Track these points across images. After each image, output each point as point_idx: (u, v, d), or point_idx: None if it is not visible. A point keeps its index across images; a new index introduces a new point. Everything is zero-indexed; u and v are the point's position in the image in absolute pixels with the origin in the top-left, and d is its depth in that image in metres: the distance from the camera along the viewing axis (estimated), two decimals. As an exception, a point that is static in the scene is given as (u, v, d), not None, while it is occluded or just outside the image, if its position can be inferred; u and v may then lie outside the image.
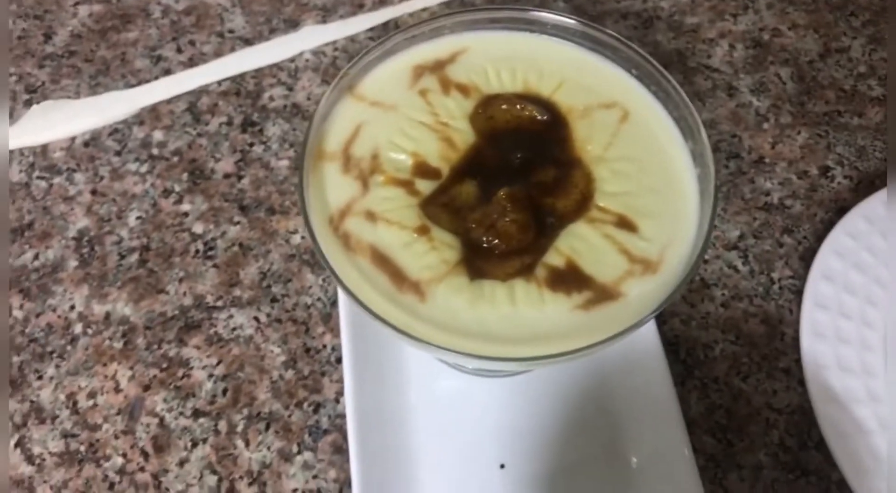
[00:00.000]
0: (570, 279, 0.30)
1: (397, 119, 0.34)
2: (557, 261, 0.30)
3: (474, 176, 0.33)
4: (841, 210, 0.47)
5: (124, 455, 0.41)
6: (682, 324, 0.45)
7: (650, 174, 0.32)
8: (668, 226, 0.31)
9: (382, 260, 0.30)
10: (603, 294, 0.30)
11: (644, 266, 0.30)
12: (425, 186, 0.32)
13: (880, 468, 0.38)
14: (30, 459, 0.41)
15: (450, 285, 0.30)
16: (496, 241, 0.31)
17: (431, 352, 0.29)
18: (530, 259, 0.31)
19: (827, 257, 0.44)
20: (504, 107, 0.34)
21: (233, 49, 0.54)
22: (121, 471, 0.41)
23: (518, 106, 0.34)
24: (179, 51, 0.54)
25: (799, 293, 0.45)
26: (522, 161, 0.33)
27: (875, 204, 0.45)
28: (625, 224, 0.31)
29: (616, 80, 0.35)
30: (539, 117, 0.34)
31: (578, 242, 0.31)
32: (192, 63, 0.53)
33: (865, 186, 0.49)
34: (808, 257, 0.46)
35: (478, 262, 0.31)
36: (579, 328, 0.29)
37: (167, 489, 0.40)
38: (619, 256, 0.30)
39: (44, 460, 0.41)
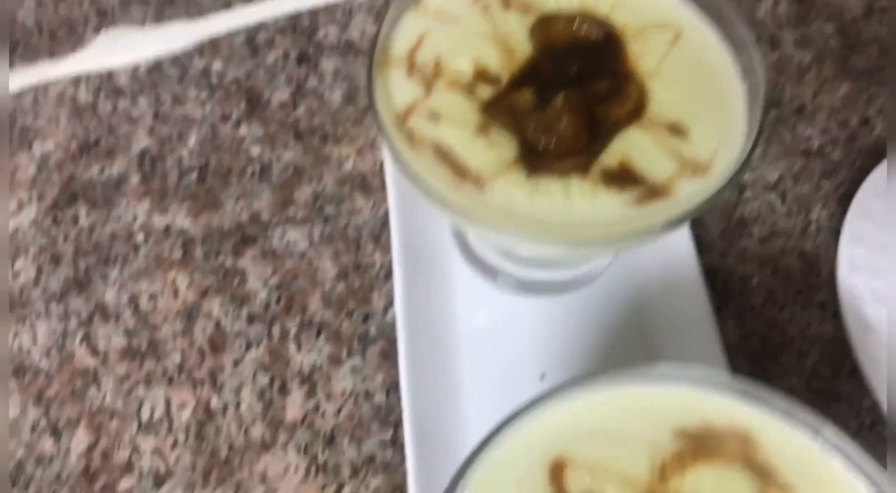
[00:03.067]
0: (622, 178, 0.32)
1: (459, 30, 0.35)
2: (610, 162, 0.32)
3: (532, 84, 0.34)
4: (880, 157, 0.48)
5: (182, 353, 0.43)
6: (720, 258, 0.46)
7: (701, 87, 0.34)
8: (717, 133, 0.33)
9: (444, 155, 0.32)
10: (654, 192, 0.31)
11: (693, 168, 0.32)
12: (485, 92, 0.34)
13: (910, 393, 0.40)
14: (94, 352, 0.43)
15: (508, 180, 0.32)
16: (553, 142, 0.32)
17: (488, 235, 0.30)
18: (584, 160, 0.32)
19: (866, 196, 0.45)
20: (561, 23, 0.36)
21: (292, -14, 0.56)
22: (179, 367, 0.43)
23: (575, 23, 0.35)
24: (241, -15, 0.56)
25: (835, 233, 0.46)
26: (578, 73, 0.35)
27: (914, 149, 0.46)
28: (676, 130, 0.33)
29: (669, 3, 0.36)
30: (595, 34, 0.35)
31: (631, 146, 0.32)
32: (252, -2, 0.56)
33: (905, 135, 0.49)
34: (845, 201, 0.47)
35: (534, 160, 0.32)
36: (630, 221, 0.31)
37: (222, 385, 0.42)
38: (670, 158, 0.32)
39: (108, 354, 0.43)
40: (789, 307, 0.45)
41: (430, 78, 0.34)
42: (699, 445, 0.26)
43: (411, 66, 0.34)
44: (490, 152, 0.32)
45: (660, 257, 0.44)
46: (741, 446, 0.27)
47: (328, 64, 0.53)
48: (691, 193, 0.31)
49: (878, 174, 0.46)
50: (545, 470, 0.26)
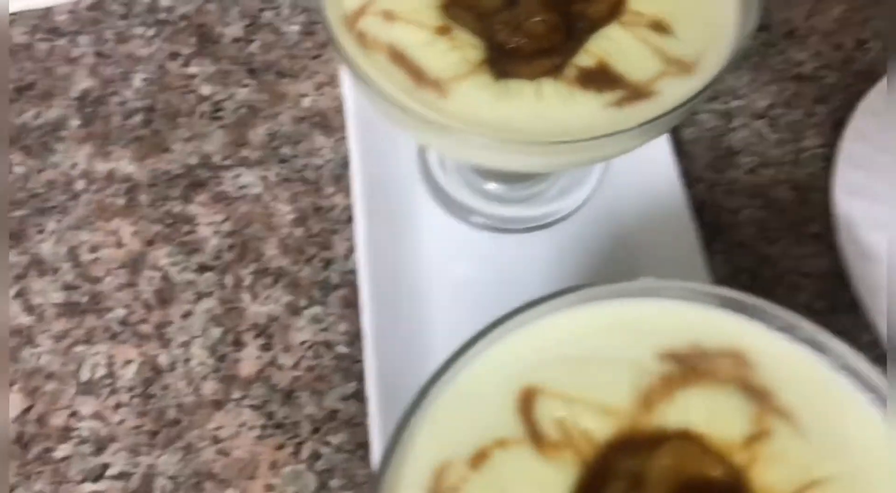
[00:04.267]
0: (601, 78, 0.28)
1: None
2: (588, 62, 0.29)
3: (499, -19, 0.30)
4: (876, 79, 0.45)
5: (127, 307, 0.40)
6: (707, 190, 0.43)
7: (686, -19, 0.30)
8: (705, 30, 0.29)
9: (400, 58, 0.29)
10: (636, 92, 0.28)
11: (679, 67, 0.28)
12: (447, -10, 0.30)
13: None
14: (30, 309, 0.40)
15: (473, 83, 0.28)
16: (523, 41, 0.29)
17: (452, 143, 0.27)
18: (559, 60, 0.29)
19: (862, 118, 0.42)
20: None
21: (242, -87, 0.52)
22: (123, 322, 0.39)
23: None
24: (186, -88, 0.52)
25: (829, 161, 0.43)
26: (550, -31, 0.31)
27: (914, 69, 0.43)
28: (659, 27, 0.29)
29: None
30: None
31: (611, 44, 0.29)
32: (199, -74, 0.51)
33: (903, 57, 0.46)
34: (840, 128, 0.44)
35: (503, 62, 0.29)
36: (612, 125, 0.27)
37: (170, 340, 0.39)
38: (654, 56, 0.29)
39: (44, 310, 0.40)
40: (782, 240, 0.41)
41: (384, -26, 0.30)
42: (688, 368, 0.23)
43: (362, -38, 0.31)
44: (452, 55, 0.28)
45: (642, 190, 0.41)
46: (735, 367, 0.23)
47: (283, -3, 0.49)
48: (677, 93, 0.28)
49: (875, 95, 0.43)
50: (513, 401, 0.23)
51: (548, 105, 0.27)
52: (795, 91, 0.46)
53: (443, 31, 0.29)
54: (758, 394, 0.23)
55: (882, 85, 0.43)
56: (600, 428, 0.22)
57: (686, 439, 0.22)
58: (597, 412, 0.23)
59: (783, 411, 0.23)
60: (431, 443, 0.22)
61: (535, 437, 0.22)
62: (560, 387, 0.23)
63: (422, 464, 0.22)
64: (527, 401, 0.23)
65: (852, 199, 0.40)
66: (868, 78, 0.45)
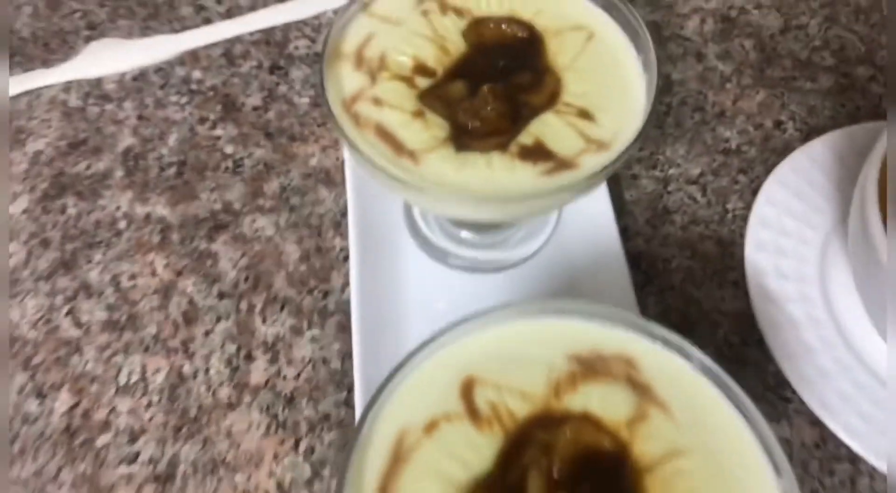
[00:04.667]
0: (536, 153, 0.37)
1: (403, 31, 0.41)
2: (528, 140, 0.37)
3: (463, 77, 0.40)
4: (788, 154, 0.54)
5: (158, 325, 0.48)
6: (644, 243, 0.51)
7: (608, 79, 0.40)
8: (619, 117, 0.38)
9: (385, 134, 0.37)
10: (563, 165, 0.37)
11: (598, 146, 0.37)
12: (423, 82, 0.39)
13: (808, 355, 0.45)
14: (78, 325, 0.48)
15: (439, 154, 0.37)
16: (479, 124, 0.38)
17: (423, 199, 0.36)
18: (505, 139, 0.38)
19: (772, 186, 0.51)
20: (491, 25, 0.41)
21: (265, 4, 0.62)
22: (155, 337, 0.47)
23: (503, 25, 0.41)
24: (219, 2, 0.62)
25: (746, 220, 0.51)
26: (504, 67, 0.40)
27: (818, 146, 0.52)
28: (584, 115, 0.38)
29: (585, 9, 0.42)
30: (520, 35, 0.41)
31: (546, 128, 0.38)
32: (229, 14, 0.61)
33: (813, 136, 0.55)
34: (758, 193, 0.53)
35: (462, 139, 0.38)
36: (542, 188, 0.36)
37: (193, 353, 0.47)
38: (578, 138, 0.38)
39: (90, 326, 0.48)
40: (705, 286, 0.50)
41: (375, 70, 0.39)
42: (589, 367, 0.31)
43: (359, 60, 0.40)
44: (425, 132, 0.37)
45: (588, 241, 0.49)
46: (625, 368, 0.31)
47: (298, 73, 0.59)
48: (595, 164, 0.36)
49: (785, 166, 0.51)
50: (458, 387, 0.31)
51: (496, 172, 0.36)
52: (723, 162, 0.55)
53: (418, 114, 0.38)
54: (640, 388, 0.31)
55: (791, 158, 0.52)
56: (521, 409, 0.30)
57: (585, 419, 0.30)
58: (519, 396, 0.31)
59: (658, 401, 0.31)
60: (395, 415, 0.30)
61: (473, 413, 0.30)
62: (493, 377, 0.31)
63: (387, 430, 0.30)
64: (468, 387, 0.31)
65: (760, 252, 0.48)
66: (782, 153, 0.54)
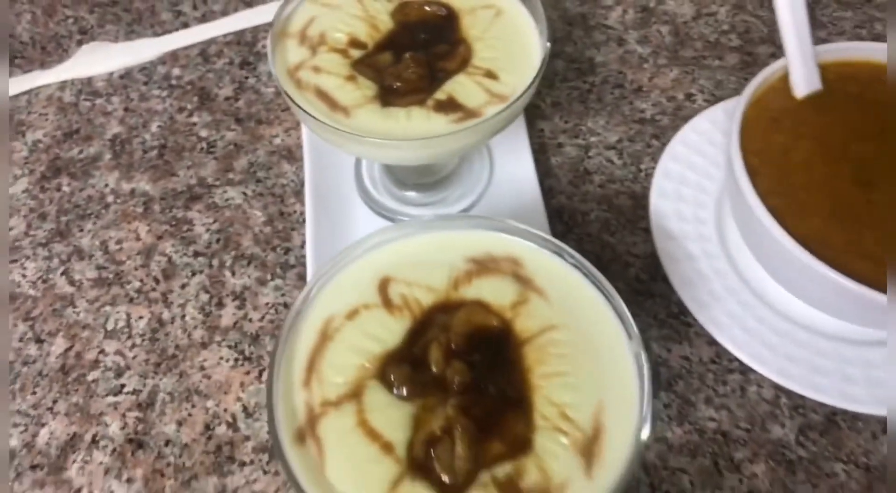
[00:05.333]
0: (448, 106, 0.44)
1: (340, 13, 0.49)
2: (442, 96, 0.45)
3: (391, 48, 0.47)
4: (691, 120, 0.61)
5: (141, 281, 0.55)
6: (566, 199, 0.59)
7: (511, 47, 0.47)
8: (519, 76, 0.46)
9: (322, 94, 0.45)
10: (470, 114, 0.44)
11: (500, 99, 0.45)
12: (356, 54, 0.47)
13: (702, 283, 0.52)
14: (71, 282, 0.55)
15: (367, 109, 0.44)
16: (401, 85, 0.45)
17: (356, 146, 0.43)
18: (424, 96, 0.45)
19: (676, 146, 0.58)
20: (415, 6, 0.49)
21: (236, 9, 0.70)
22: (138, 291, 0.55)
23: (425, 6, 0.49)
24: (195, 8, 0.70)
25: (659, 177, 0.58)
26: (425, 40, 0.48)
27: (718, 112, 0.60)
28: (490, 75, 0.46)
29: (494, -8, 0.50)
30: (438, 13, 0.49)
31: (457, 86, 0.45)
32: (204, 19, 0.70)
33: (718, 106, 0.63)
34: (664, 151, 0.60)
35: (388, 98, 0.45)
36: (452, 133, 0.43)
37: (171, 302, 0.54)
38: (484, 93, 0.45)
39: (82, 283, 0.55)
40: (619, 233, 0.57)
41: (316, 45, 0.47)
42: (482, 266, 0.38)
43: (302, 38, 0.48)
44: (356, 92, 0.45)
45: (514, 198, 0.56)
46: (512, 266, 0.39)
47: (264, 68, 0.67)
48: (496, 112, 0.44)
49: (688, 128, 0.59)
50: (376, 284, 0.38)
51: (414, 122, 0.44)
52: (638, 130, 0.63)
53: (350, 78, 0.46)
54: (523, 280, 0.38)
55: (694, 122, 0.59)
56: (426, 298, 0.37)
57: (477, 304, 0.37)
58: (425, 290, 0.38)
59: (537, 289, 0.38)
60: (323, 306, 0.37)
61: (387, 303, 0.37)
62: (404, 276, 0.38)
63: (316, 317, 0.37)
64: (384, 284, 0.38)
65: (663, 200, 0.55)
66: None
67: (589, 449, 0.33)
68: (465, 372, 0.35)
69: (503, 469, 0.33)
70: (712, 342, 0.51)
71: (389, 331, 0.36)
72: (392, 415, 0.34)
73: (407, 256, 0.39)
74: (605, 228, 0.57)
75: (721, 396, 0.50)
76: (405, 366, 0.35)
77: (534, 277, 0.38)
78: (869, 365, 0.48)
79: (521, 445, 0.33)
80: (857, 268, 0.42)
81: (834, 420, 0.49)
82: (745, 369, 0.50)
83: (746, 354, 0.49)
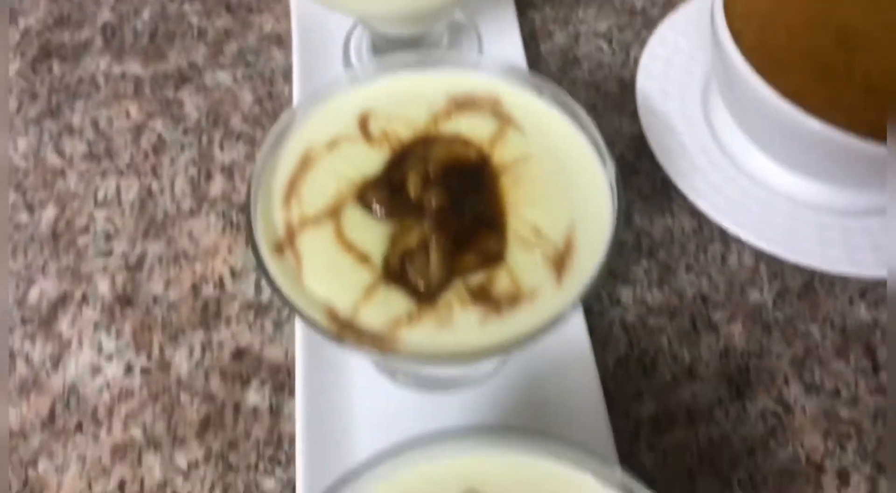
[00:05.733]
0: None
1: None
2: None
3: None
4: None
5: (131, 156, 0.56)
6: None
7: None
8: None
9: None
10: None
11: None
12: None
13: (685, 156, 0.52)
14: (62, 155, 0.56)
15: None
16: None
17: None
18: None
19: (665, 31, 0.58)
20: None
21: None
22: (128, 165, 0.55)
23: None
24: None
25: (647, 64, 0.58)
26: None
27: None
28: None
29: None
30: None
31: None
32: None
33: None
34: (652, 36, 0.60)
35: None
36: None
37: (161, 175, 0.54)
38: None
39: (73, 157, 0.56)
40: (606, 116, 0.57)
41: None
42: (462, 104, 0.39)
43: None
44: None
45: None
46: (492, 104, 0.39)
47: (256, -39, 0.67)
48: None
49: (678, 14, 0.59)
50: (356, 119, 0.38)
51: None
52: (628, 21, 0.63)
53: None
54: (502, 116, 0.39)
55: (684, 7, 0.59)
56: (405, 133, 0.38)
57: (456, 138, 0.38)
58: (405, 124, 0.38)
59: (515, 124, 0.38)
60: (303, 137, 0.38)
61: (367, 136, 0.38)
62: (385, 111, 0.39)
63: (296, 147, 0.37)
64: (364, 118, 0.38)
65: (650, 80, 0.56)
66: (680, 10, 0.62)
67: (560, 262, 0.34)
68: (442, 196, 0.35)
69: (475, 278, 0.34)
70: (694, 214, 0.52)
71: (369, 161, 0.37)
72: (369, 232, 0.35)
73: (387, 92, 0.39)
74: (593, 111, 0.57)
75: (701, 263, 0.50)
76: (384, 189, 0.36)
77: (512, 113, 0.39)
78: (846, 230, 0.49)
79: (493, 258, 0.34)
80: (835, 122, 0.42)
81: (811, 286, 0.49)
82: (726, 240, 0.51)
83: (726, 219, 0.49)
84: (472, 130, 0.38)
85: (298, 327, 0.45)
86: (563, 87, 0.55)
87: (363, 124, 0.38)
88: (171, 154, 0.56)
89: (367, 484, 0.28)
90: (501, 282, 0.33)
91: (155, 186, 0.54)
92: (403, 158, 0.37)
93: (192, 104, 0.58)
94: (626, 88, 0.58)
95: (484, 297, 0.33)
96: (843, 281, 0.49)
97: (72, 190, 0.54)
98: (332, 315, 0.33)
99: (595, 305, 0.49)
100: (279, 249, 0.34)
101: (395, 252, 0.34)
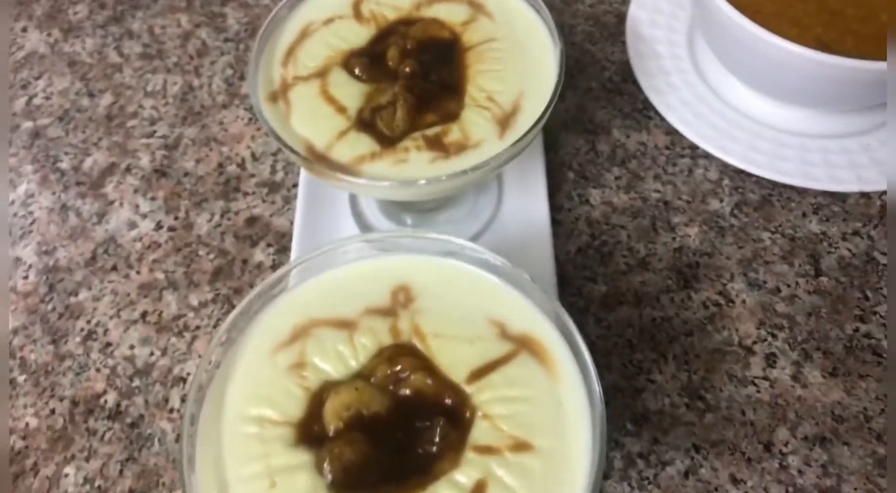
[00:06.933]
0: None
1: None
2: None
3: None
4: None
5: (178, 56, 0.64)
6: (556, 14, 0.64)
7: None
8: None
9: None
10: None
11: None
12: None
13: (663, 76, 0.57)
14: (121, 55, 0.64)
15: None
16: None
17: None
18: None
19: (661, -32, 0.63)
20: None
21: None
22: (175, 64, 0.64)
23: None
24: None
25: (645, 0, 0.64)
26: None
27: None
28: None
29: None
30: None
31: None
32: None
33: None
34: (660, -15, 0.65)
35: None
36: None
37: (201, 74, 0.63)
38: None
39: (129, 57, 0.64)
40: (600, 43, 0.63)
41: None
42: (443, -6, 0.45)
43: None
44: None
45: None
46: (468, -4, 0.45)
47: None
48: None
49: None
50: (351, 3, 0.45)
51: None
52: (634, -37, 0.67)
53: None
54: (475, 5, 0.45)
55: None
56: (391, 15, 0.45)
57: (433, 20, 0.44)
58: (391, 8, 0.45)
59: (487, 12, 0.44)
60: (304, 14, 0.45)
61: (358, 15, 0.45)
62: (376, -2, 0.45)
63: (298, 20, 0.44)
64: (357, 1, 0.45)
65: (641, 10, 0.61)
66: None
67: (505, 121, 0.40)
68: (415, 65, 0.42)
69: (432, 131, 0.40)
70: (669, 132, 0.57)
71: (357, 35, 0.44)
72: (349, 90, 0.42)
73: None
74: (588, 38, 0.63)
75: (669, 174, 0.56)
76: (366, 58, 0.43)
77: (485, 3, 0.45)
78: (803, 149, 0.53)
79: (451, 117, 0.40)
80: (785, 33, 0.47)
81: (769, 199, 0.54)
82: (695, 157, 0.56)
83: (694, 133, 0.54)
84: (448, 15, 0.44)
85: (300, 199, 0.52)
86: (565, 16, 0.61)
87: (356, 6, 0.45)
88: (211, 57, 0.64)
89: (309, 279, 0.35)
90: (454, 134, 0.40)
91: (196, 82, 0.62)
92: (387, 34, 0.44)
93: (233, 17, 0.66)
94: (623, 21, 0.63)
95: (437, 144, 0.40)
96: (800, 198, 0.54)
97: (126, 82, 0.63)
98: (310, 149, 0.40)
99: (565, 202, 0.54)
100: (273, 98, 0.42)
101: (367, 106, 0.41)
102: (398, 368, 0.33)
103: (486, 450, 0.31)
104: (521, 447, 0.31)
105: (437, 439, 0.31)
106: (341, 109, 0.41)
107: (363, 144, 0.40)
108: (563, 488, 0.30)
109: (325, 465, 0.30)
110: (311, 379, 0.33)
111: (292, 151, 0.39)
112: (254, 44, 0.43)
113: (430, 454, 0.31)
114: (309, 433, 0.32)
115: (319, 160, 0.39)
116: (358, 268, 0.36)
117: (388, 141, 0.40)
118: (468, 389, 0.32)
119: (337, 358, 0.33)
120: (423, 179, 0.37)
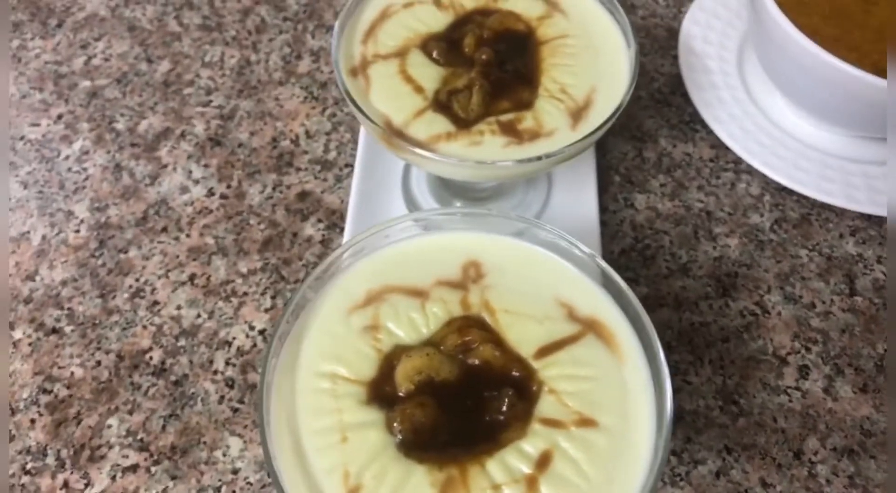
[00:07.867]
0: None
1: None
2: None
3: None
4: (741, -23, 0.68)
5: (237, 31, 0.65)
6: None
7: None
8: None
9: None
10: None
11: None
12: None
13: (713, 91, 0.59)
14: (181, 24, 0.65)
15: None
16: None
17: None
18: None
19: (716, -12, 0.65)
20: None
21: None
22: (233, 38, 0.65)
23: None
24: None
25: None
26: None
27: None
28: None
29: None
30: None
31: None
32: None
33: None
34: (711, 4, 0.66)
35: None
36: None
37: (259, 49, 0.64)
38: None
39: (189, 26, 0.65)
40: (651, 55, 0.64)
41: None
42: None
43: None
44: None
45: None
46: (545, -7, 0.47)
47: None
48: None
49: (729, -23, 0.65)
50: (431, -11, 0.47)
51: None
52: (687, -19, 0.69)
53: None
54: (551, 2, 0.46)
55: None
56: (470, 3, 0.46)
57: (510, 13, 0.46)
58: (470, -2, 0.46)
59: (561, 9, 0.46)
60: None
61: (437, 2, 0.46)
62: (455, -13, 0.47)
63: (379, 3, 0.46)
64: (438, -10, 0.47)
65: (694, 25, 0.62)
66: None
67: (578, 114, 0.41)
68: (491, 54, 0.43)
69: (506, 117, 0.41)
70: (714, 146, 0.58)
71: (436, 20, 0.45)
72: (426, 71, 0.43)
73: None
74: (640, 49, 0.64)
75: (712, 185, 0.57)
76: (444, 42, 0.44)
77: (560, 1, 0.46)
78: (845, 171, 0.55)
79: (524, 105, 0.42)
80: (843, 57, 0.48)
81: (808, 218, 0.55)
82: (738, 171, 0.57)
83: (741, 147, 0.56)
84: (524, 9, 0.46)
85: (355, 178, 0.53)
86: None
87: (436, -9, 0.46)
88: (270, 35, 0.65)
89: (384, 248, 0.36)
90: (527, 122, 0.41)
91: (253, 57, 0.63)
92: (464, 22, 0.45)
93: (294, -1, 0.67)
94: (674, 35, 0.65)
95: (511, 130, 0.41)
96: (838, 219, 0.55)
97: (185, 51, 0.64)
98: (388, 125, 0.41)
99: (611, 203, 0.56)
100: (353, 72, 0.43)
101: (444, 89, 0.42)
102: (468, 338, 0.34)
103: (552, 423, 0.32)
104: (586, 422, 0.32)
105: (504, 408, 0.32)
106: (419, 89, 0.42)
107: (439, 123, 0.41)
108: (626, 465, 0.31)
109: (396, 424, 0.31)
110: (383, 342, 0.34)
111: (374, 123, 0.40)
112: (336, 22, 0.44)
113: (497, 423, 0.32)
114: (380, 393, 0.33)
115: (398, 135, 0.40)
116: (430, 241, 0.37)
117: (462, 123, 0.41)
118: (535, 364, 0.33)
119: (409, 324, 0.34)
120: (510, 161, 0.38)
